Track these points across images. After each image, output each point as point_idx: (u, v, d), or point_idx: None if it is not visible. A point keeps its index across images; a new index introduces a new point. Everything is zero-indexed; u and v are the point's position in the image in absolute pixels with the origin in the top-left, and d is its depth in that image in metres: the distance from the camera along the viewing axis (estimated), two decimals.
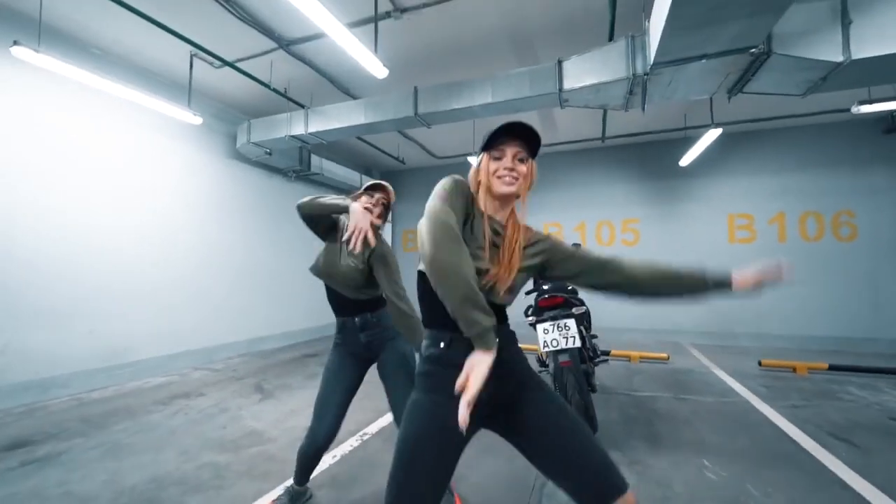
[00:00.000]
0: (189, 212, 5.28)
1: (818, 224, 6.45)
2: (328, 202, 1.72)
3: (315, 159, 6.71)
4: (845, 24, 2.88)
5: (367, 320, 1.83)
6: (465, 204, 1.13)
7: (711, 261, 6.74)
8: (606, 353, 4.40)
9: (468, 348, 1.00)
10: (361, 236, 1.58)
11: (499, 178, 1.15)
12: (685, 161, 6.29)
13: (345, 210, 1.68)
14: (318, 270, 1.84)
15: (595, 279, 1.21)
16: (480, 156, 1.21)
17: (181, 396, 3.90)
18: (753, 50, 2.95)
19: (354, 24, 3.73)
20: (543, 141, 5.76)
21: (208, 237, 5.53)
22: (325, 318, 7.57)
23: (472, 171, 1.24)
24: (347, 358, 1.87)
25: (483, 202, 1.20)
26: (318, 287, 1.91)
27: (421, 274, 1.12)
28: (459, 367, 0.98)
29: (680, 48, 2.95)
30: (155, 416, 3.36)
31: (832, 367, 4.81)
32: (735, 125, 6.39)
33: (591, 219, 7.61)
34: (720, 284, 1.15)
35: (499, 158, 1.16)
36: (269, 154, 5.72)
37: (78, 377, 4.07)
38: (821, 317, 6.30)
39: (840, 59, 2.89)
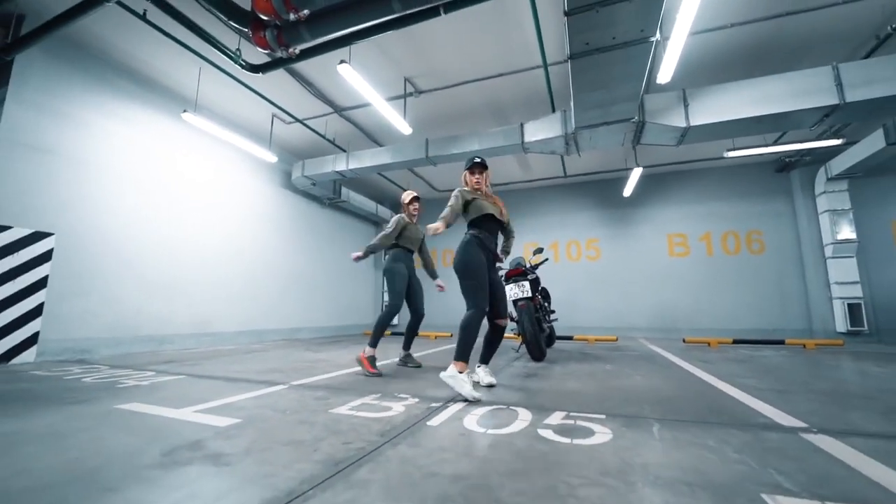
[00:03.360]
0: (254, 228, 7.07)
1: (736, 241, 8.29)
2: (378, 242, 3.64)
3: (345, 191, 8.61)
4: (686, 105, 4.85)
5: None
6: (466, 196, 2.90)
7: (655, 270, 8.54)
8: (561, 336, 5.99)
9: (478, 239, 2.79)
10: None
11: (474, 182, 2.95)
12: (627, 192, 8.22)
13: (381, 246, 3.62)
14: (409, 241, 3.70)
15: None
16: (465, 171, 3.00)
17: (255, 352, 5.46)
18: (634, 120, 4.89)
19: (390, 99, 5.72)
20: (521, 178, 8.24)
21: (266, 248, 7.27)
22: (346, 318, 9.16)
23: (462, 178, 3.04)
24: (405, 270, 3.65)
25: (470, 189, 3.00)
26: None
27: (469, 223, 2.92)
28: (482, 242, 2.79)
29: (588, 119, 4.89)
30: (247, 355, 4.93)
31: (736, 341, 6.44)
32: (667, 166, 8.43)
33: (563, 238, 9.44)
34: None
35: (473, 173, 2.96)
36: (314, 185, 7.60)
37: (179, 338, 5.65)
38: (742, 313, 7.97)
39: (685, 125, 4.83)
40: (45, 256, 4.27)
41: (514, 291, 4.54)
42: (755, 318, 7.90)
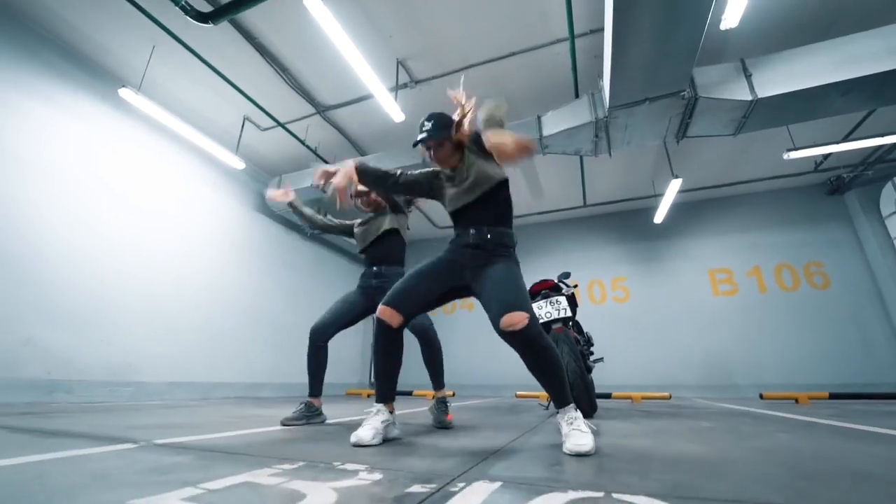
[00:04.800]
0: (211, 251, 5.80)
1: (792, 274, 6.95)
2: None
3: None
4: (748, 76, 3.88)
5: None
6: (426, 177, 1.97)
7: (699, 312, 7.12)
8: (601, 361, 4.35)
9: (458, 242, 1.79)
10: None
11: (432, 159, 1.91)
12: (658, 217, 7.05)
13: None
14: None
15: None
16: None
17: (182, 407, 3.90)
18: (683, 94, 3.88)
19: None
20: (534, 210, 6.96)
21: (224, 277, 5.93)
22: (326, 375, 7.46)
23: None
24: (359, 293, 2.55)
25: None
26: None
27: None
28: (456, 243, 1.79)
29: (627, 92, 3.89)
30: (161, 410, 3.40)
31: (833, 396, 4.83)
32: (701, 191, 7.41)
33: (583, 279, 8.08)
34: None
35: (428, 148, 1.88)
36: None
37: (82, 386, 4.10)
38: (816, 363, 6.35)
39: (750, 97, 3.81)
40: None
41: (545, 311, 3.16)
42: (833, 368, 6.27)
